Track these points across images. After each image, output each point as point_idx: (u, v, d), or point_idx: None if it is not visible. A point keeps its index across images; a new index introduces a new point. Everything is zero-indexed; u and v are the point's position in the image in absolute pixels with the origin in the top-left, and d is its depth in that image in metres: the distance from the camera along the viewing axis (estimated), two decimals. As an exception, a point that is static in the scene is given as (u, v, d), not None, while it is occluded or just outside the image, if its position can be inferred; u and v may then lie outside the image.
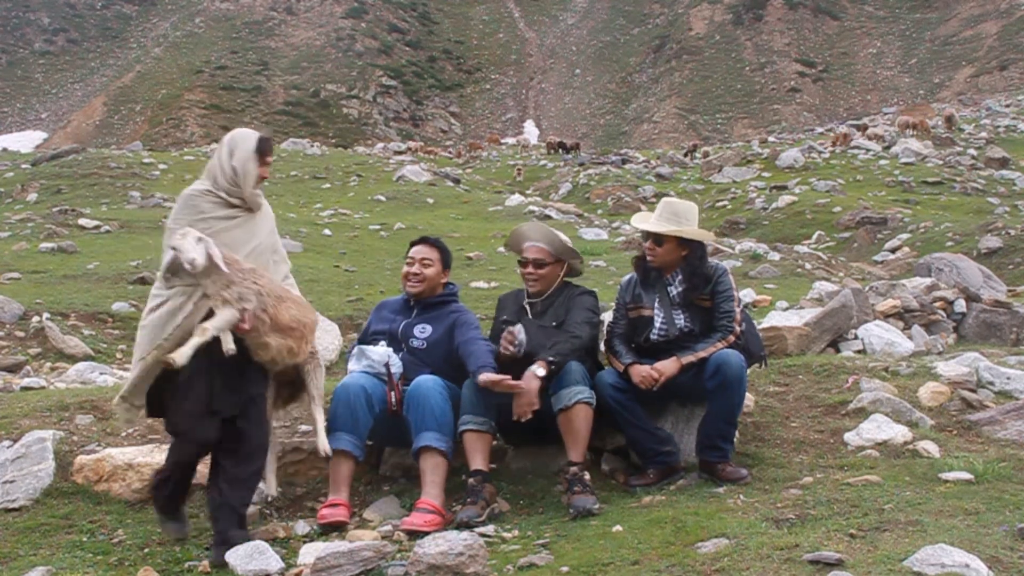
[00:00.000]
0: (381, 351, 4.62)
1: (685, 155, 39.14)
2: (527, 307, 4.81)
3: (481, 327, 4.87)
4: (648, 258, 4.69)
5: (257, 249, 4.02)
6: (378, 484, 4.73)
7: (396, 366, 4.59)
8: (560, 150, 41.47)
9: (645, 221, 4.73)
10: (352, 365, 4.64)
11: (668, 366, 4.49)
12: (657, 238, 4.62)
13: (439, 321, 4.75)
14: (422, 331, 4.72)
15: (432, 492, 4.24)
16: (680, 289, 4.65)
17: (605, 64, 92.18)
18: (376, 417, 4.43)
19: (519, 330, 4.51)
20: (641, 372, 4.47)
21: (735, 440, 4.57)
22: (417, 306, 4.83)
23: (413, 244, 4.90)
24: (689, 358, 4.49)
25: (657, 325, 4.64)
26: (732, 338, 4.53)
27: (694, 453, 4.67)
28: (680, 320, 4.62)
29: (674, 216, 4.64)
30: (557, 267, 4.84)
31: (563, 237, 4.90)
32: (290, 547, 3.96)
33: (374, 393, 4.44)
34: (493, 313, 5.08)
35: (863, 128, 37.72)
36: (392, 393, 4.47)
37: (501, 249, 15.92)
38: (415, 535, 3.93)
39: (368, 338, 4.83)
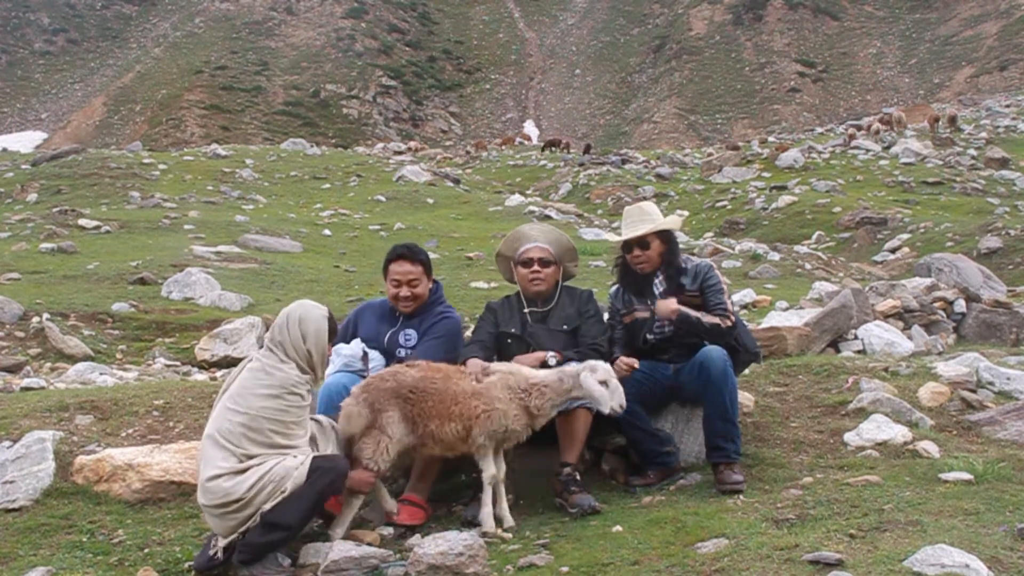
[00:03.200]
0: (354, 345, 4.61)
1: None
2: (528, 316, 4.73)
3: (464, 326, 4.86)
4: (640, 266, 4.71)
5: None
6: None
7: (375, 360, 4.59)
8: (582, 151, 40.67)
9: (618, 234, 4.79)
10: (328, 369, 4.58)
11: (665, 305, 4.52)
12: (642, 243, 4.65)
13: (423, 324, 4.72)
14: (407, 339, 4.69)
15: (419, 487, 4.36)
16: (665, 286, 4.69)
17: (605, 64, 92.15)
18: None
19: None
20: (619, 363, 4.42)
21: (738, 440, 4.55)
22: (403, 313, 4.78)
23: (391, 260, 4.74)
24: (688, 310, 4.51)
25: (652, 325, 4.67)
26: (730, 322, 4.55)
27: (694, 453, 4.68)
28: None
29: (645, 215, 4.72)
30: (558, 269, 4.82)
31: (565, 235, 4.91)
32: (291, 546, 3.96)
33: None
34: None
35: (868, 126, 37.66)
36: None
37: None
38: (401, 528, 4.11)
39: (350, 340, 4.77)
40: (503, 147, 50.22)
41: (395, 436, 4.05)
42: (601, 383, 4.08)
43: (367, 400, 4.10)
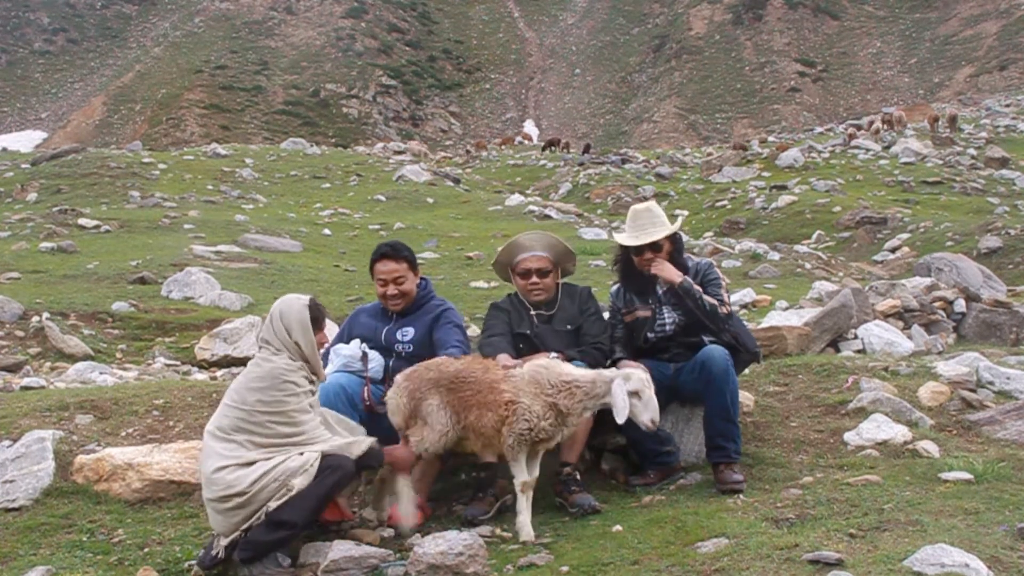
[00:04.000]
0: (353, 345, 4.60)
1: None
2: (534, 317, 4.77)
3: (465, 326, 4.85)
4: (652, 269, 4.70)
5: None
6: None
7: (375, 360, 4.58)
8: (581, 151, 40.53)
9: (625, 235, 4.80)
10: (328, 369, 4.57)
11: (670, 270, 4.57)
12: (655, 246, 4.68)
13: (420, 319, 4.73)
14: (404, 334, 4.69)
15: (418, 487, 4.31)
16: (667, 285, 4.69)
17: (605, 64, 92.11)
18: (361, 414, 4.41)
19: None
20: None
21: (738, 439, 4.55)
22: (395, 311, 4.79)
23: (375, 260, 4.75)
24: (692, 282, 4.56)
25: (654, 324, 4.69)
26: (725, 309, 4.57)
27: (694, 453, 4.68)
28: (673, 315, 4.67)
29: (656, 217, 4.74)
30: (556, 273, 4.86)
31: (561, 240, 4.91)
32: (292, 546, 3.96)
33: (355, 392, 4.44)
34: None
35: (869, 126, 37.64)
36: (365, 389, 4.46)
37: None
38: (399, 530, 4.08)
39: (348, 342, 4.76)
40: (503, 147, 50.14)
41: (437, 425, 4.02)
42: (633, 394, 3.88)
43: (407, 388, 4.10)
